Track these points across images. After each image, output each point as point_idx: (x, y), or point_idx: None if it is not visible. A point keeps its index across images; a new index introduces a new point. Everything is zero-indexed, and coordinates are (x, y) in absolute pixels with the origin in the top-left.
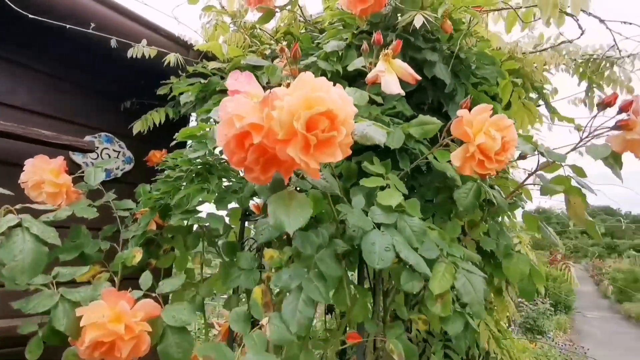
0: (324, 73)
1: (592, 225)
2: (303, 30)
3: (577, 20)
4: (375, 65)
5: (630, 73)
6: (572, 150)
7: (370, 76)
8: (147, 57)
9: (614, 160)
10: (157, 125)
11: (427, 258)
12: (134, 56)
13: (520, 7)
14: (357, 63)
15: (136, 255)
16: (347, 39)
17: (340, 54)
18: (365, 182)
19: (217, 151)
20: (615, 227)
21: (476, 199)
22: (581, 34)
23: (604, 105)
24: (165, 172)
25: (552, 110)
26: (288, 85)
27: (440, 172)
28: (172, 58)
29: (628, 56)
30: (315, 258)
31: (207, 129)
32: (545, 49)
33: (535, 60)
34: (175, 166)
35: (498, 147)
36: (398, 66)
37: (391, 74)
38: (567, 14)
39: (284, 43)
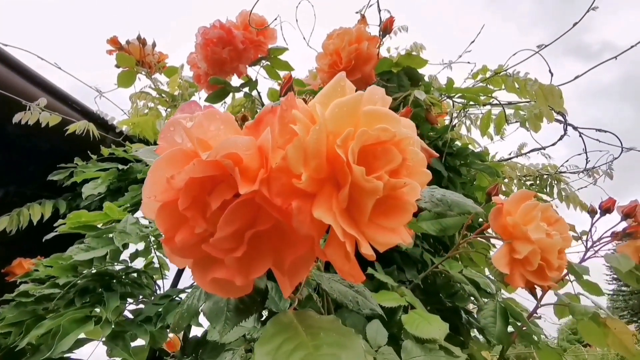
0: None
1: None
2: None
3: (565, 122)
4: None
5: (578, 190)
6: (581, 261)
7: None
8: (43, 125)
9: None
10: (35, 224)
11: None
12: (25, 122)
13: (510, 104)
14: None
15: None
16: None
17: None
18: (379, 299)
19: (127, 254)
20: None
21: (506, 325)
22: (559, 139)
23: (602, 211)
24: (22, 286)
25: None
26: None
27: (447, 288)
28: (79, 126)
29: (585, 170)
30: None
31: (117, 219)
32: (508, 159)
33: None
34: (48, 278)
35: (559, 245)
36: None
37: None
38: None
39: (247, 112)
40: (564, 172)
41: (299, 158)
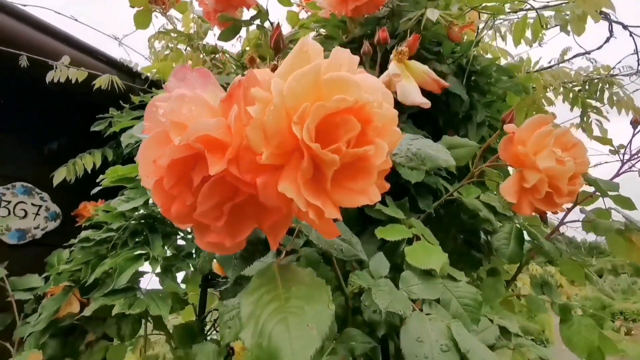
0: None
1: None
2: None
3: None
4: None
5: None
6: (615, 176)
7: None
8: (72, 81)
9: None
10: (92, 172)
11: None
12: (57, 80)
13: (546, 6)
14: None
15: None
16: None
17: None
18: (385, 234)
19: None
20: (573, 254)
21: (520, 246)
22: (605, 41)
23: None
24: (82, 233)
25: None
26: (275, 67)
27: (469, 210)
28: (104, 81)
29: (638, 72)
30: None
31: None
32: (549, 67)
33: (536, 81)
34: (105, 224)
35: (570, 172)
36: (417, 69)
37: (409, 79)
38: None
39: (253, 52)
40: (616, 74)
41: (259, 139)
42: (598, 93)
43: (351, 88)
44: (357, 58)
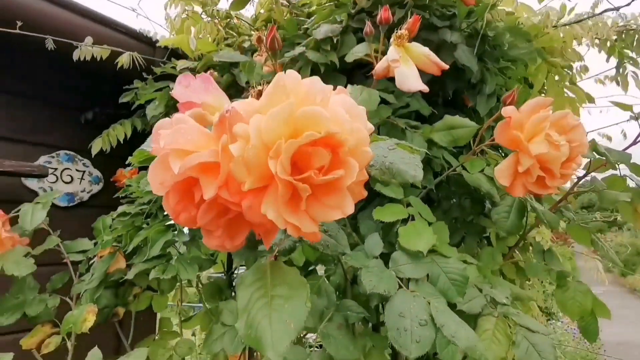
0: (315, 67)
1: None
2: (287, 16)
3: None
4: (383, 52)
5: None
6: (632, 144)
7: (379, 68)
8: (97, 58)
9: None
10: (126, 138)
11: (468, 313)
12: (82, 59)
13: None
14: (358, 51)
15: (88, 316)
16: (342, 21)
17: (335, 40)
18: (381, 216)
19: None
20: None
21: (520, 218)
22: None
23: None
24: (119, 208)
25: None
26: (259, 93)
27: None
28: (125, 59)
29: None
30: (318, 332)
31: None
32: (581, 20)
33: (565, 34)
34: (135, 199)
35: (564, 157)
36: (417, 52)
37: (408, 63)
38: None
39: (262, 32)
40: None
41: (242, 172)
42: (635, 44)
43: (321, 122)
44: (330, 87)
